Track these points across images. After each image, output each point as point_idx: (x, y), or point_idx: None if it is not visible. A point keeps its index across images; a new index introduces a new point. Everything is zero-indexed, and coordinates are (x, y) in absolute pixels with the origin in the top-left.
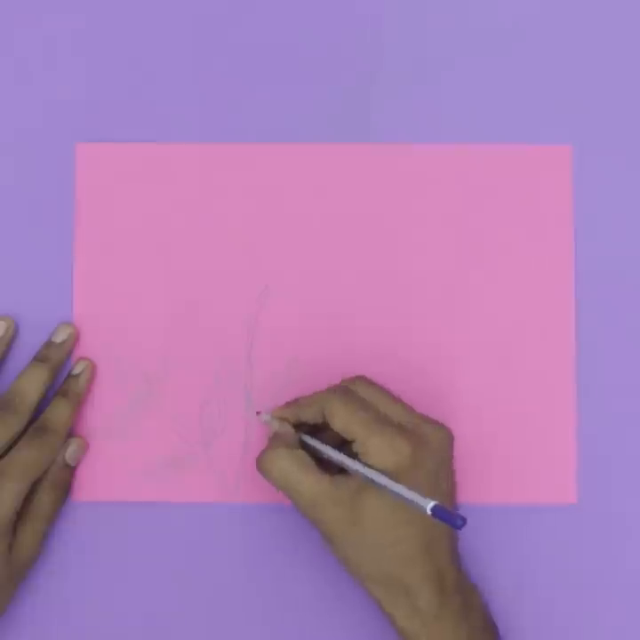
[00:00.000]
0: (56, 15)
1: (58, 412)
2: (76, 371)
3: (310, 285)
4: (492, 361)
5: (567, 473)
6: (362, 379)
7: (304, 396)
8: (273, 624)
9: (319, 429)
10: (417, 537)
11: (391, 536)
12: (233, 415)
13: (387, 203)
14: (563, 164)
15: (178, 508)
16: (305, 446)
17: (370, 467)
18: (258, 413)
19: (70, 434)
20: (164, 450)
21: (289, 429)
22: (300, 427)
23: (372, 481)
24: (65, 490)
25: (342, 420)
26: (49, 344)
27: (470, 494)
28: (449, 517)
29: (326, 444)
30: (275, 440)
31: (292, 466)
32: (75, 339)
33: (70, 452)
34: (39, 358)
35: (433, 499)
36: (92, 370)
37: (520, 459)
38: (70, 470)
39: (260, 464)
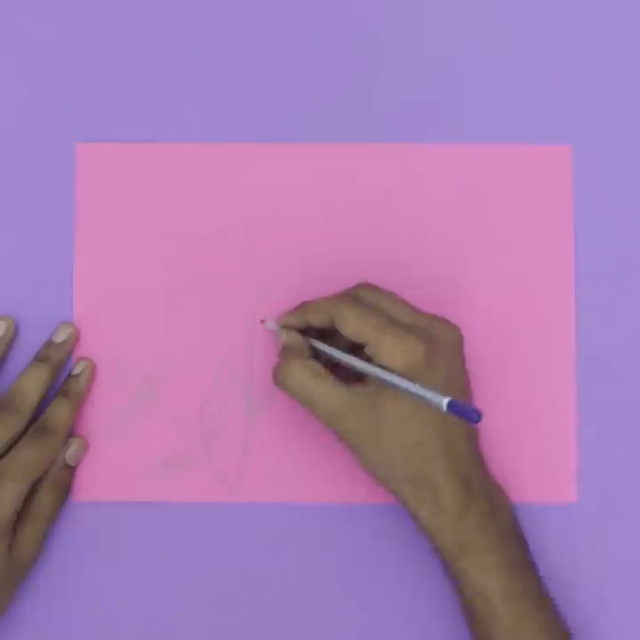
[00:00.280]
0: (56, 15)
1: (58, 412)
2: (76, 371)
3: (310, 285)
4: (491, 360)
5: (567, 472)
6: (366, 284)
7: (310, 302)
8: (273, 624)
9: (325, 336)
10: (437, 437)
11: (412, 438)
12: (233, 415)
13: (387, 202)
14: (563, 164)
15: (178, 508)
16: (315, 354)
17: (384, 368)
18: (262, 322)
19: (70, 434)
20: (164, 450)
21: (299, 339)
22: (306, 332)
23: (388, 382)
24: (65, 490)
25: (353, 324)
26: (49, 344)
27: None
28: (465, 411)
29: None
30: (286, 352)
31: (307, 379)
32: (75, 339)
33: (70, 452)
34: (39, 358)
35: (448, 395)
36: (92, 370)
37: (520, 458)
38: (70, 470)
39: (276, 379)
